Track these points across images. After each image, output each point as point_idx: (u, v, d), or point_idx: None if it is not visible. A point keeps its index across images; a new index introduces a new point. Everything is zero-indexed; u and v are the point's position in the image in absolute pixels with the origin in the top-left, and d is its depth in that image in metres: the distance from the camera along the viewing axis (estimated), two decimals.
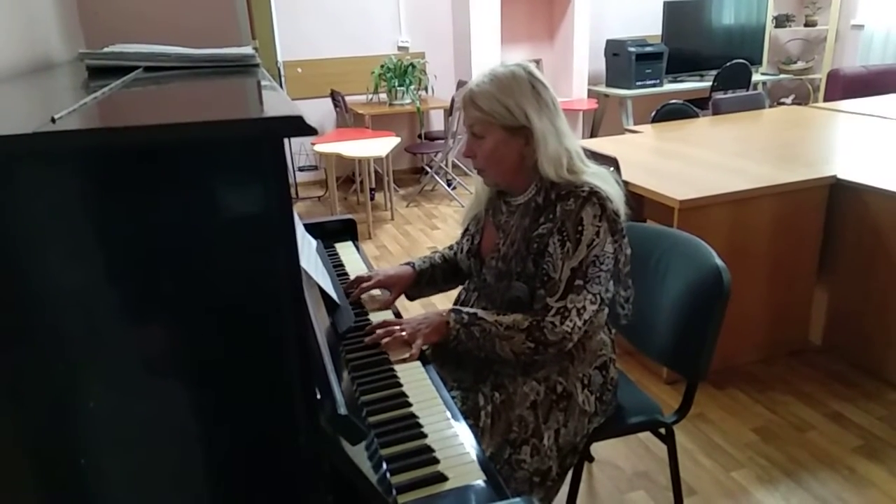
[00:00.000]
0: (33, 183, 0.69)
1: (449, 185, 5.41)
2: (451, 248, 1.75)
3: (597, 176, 1.43)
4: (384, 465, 1.04)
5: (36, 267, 0.72)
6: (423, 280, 1.69)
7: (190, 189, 0.74)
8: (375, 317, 1.57)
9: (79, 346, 0.76)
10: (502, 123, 1.40)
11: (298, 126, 0.72)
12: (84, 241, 0.73)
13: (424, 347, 1.42)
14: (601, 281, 1.40)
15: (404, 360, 1.37)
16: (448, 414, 1.20)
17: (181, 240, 0.75)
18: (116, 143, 0.70)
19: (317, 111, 5.52)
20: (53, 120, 0.70)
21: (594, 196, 1.38)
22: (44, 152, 0.69)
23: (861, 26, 6.01)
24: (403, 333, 1.41)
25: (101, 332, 0.76)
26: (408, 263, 1.71)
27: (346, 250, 1.99)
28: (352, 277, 1.70)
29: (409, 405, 1.23)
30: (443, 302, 3.40)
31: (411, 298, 1.73)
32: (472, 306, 1.55)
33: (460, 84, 5.43)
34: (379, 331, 1.43)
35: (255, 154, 0.73)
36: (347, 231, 2.08)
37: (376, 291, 1.67)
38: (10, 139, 0.66)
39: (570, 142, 1.44)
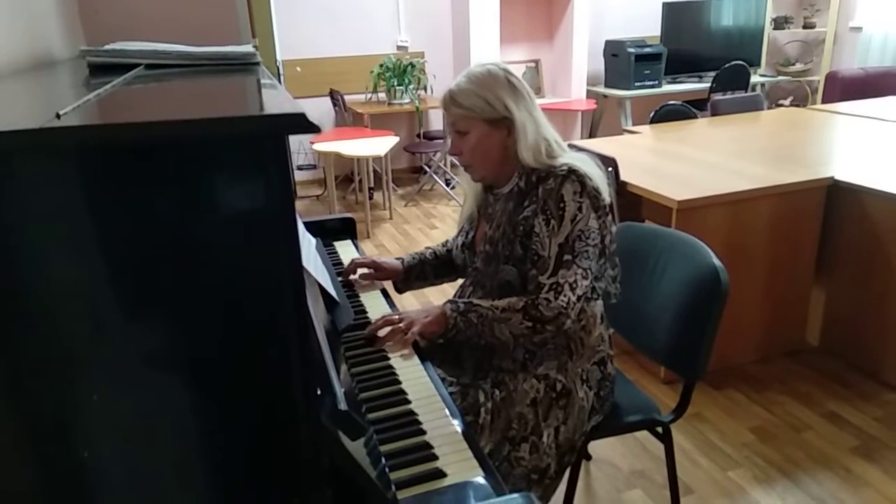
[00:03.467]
0: (38, 178, 0.70)
1: (447, 185, 5.41)
2: (444, 244, 1.79)
3: (577, 158, 1.47)
4: (383, 461, 1.05)
5: (41, 261, 0.72)
6: (413, 275, 1.75)
7: (194, 185, 0.75)
8: (375, 314, 1.58)
9: (84, 340, 0.76)
10: (483, 117, 1.45)
11: (301, 123, 0.72)
12: (88, 236, 0.73)
13: (423, 343, 1.44)
14: (589, 255, 1.42)
15: (401, 347, 1.40)
16: (447, 411, 1.21)
17: (185, 236, 0.76)
18: (122, 139, 0.71)
19: (316, 110, 5.52)
20: (58, 116, 0.71)
21: (573, 174, 1.41)
22: (49, 148, 0.69)
23: (859, 28, 6.02)
24: (402, 324, 1.43)
25: (107, 327, 0.76)
26: (398, 259, 1.76)
27: (345, 249, 1.99)
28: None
29: (408, 402, 1.23)
30: (440, 299, 3.40)
31: (400, 291, 1.78)
32: (468, 297, 1.57)
33: None
34: (378, 322, 1.45)
35: (259, 151, 0.74)
36: (346, 230, 2.09)
37: (364, 270, 1.74)
38: (15, 134, 0.66)
39: (547, 131, 1.49)
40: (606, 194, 1.45)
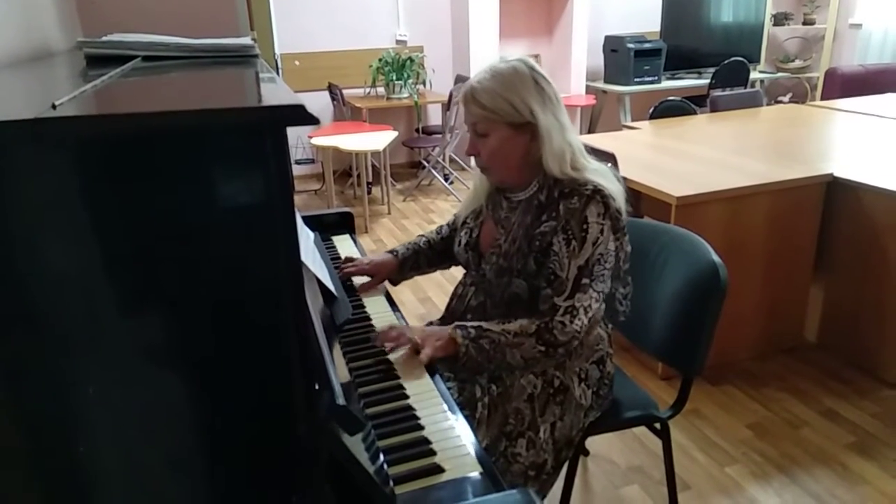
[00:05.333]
0: (34, 169, 0.69)
1: (446, 180, 5.40)
2: (438, 231, 1.77)
3: (598, 173, 1.43)
4: (381, 457, 1.04)
5: (36, 253, 0.71)
6: (407, 267, 1.73)
7: (191, 177, 0.74)
8: (373, 309, 1.58)
9: (80, 332, 0.75)
10: (507, 120, 1.38)
11: (300, 115, 0.72)
12: (84, 229, 0.72)
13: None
14: (605, 279, 1.40)
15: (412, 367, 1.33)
16: (445, 406, 1.20)
17: (182, 228, 0.75)
18: (119, 130, 0.70)
19: (314, 104, 5.50)
20: (54, 106, 0.70)
21: (598, 195, 1.37)
22: (45, 138, 0.68)
23: (859, 25, 6.02)
24: (412, 344, 1.36)
25: (102, 320, 0.76)
26: (391, 251, 1.74)
27: (343, 243, 1.99)
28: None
29: (407, 397, 1.23)
30: (438, 295, 3.40)
31: (394, 283, 1.76)
32: (469, 300, 1.56)
33: (458, 78, 5.42)
34: (387, 344, 1.37)
35: (258, 142, 0.73)
36: (344, 224, 2.08)
37: (363, 279, 1.71)
38: (10, 125, 0.65)
39: (571, 136, 1.43)
40: (625, 213, 1.41)
